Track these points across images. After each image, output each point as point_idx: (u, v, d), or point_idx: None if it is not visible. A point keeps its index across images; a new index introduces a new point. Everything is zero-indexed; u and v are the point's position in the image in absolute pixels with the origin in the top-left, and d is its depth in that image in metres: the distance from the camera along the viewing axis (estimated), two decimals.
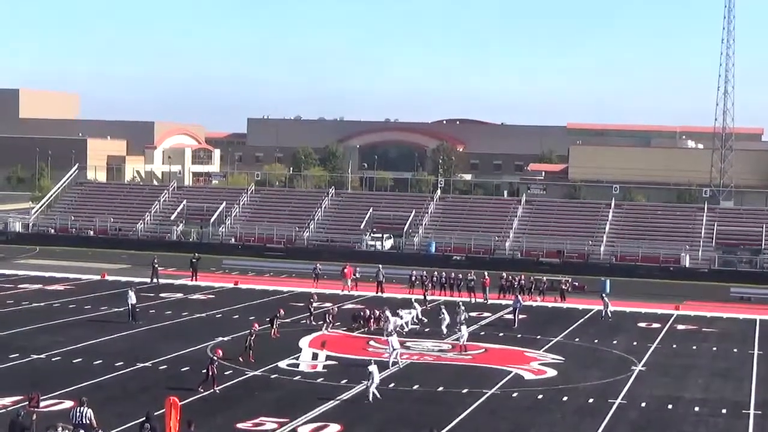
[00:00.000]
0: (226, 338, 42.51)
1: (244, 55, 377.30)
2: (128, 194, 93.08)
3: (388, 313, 44.53)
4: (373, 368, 32.67)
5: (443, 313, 45.25)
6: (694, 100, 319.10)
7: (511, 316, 50.41)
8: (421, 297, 54.50)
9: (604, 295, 55.19)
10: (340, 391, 33.64)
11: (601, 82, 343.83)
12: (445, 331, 44.72)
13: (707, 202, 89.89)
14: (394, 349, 37.92)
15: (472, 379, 36.70)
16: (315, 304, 48.49)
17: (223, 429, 28.78)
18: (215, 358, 33.24)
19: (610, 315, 52.32)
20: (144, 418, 25.02)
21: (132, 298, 46.34)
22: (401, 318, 45.62)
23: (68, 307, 50.35)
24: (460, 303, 48.67)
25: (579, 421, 31.27)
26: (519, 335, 46.57)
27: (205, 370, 32.94)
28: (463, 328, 42.47)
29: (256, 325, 40.63)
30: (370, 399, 32.09)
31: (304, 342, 42.52)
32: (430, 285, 58.02)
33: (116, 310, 48.59)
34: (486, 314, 52.56)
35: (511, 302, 52.33)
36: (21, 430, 24.46)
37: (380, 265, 61.29)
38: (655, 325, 50.89)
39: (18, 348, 38.89)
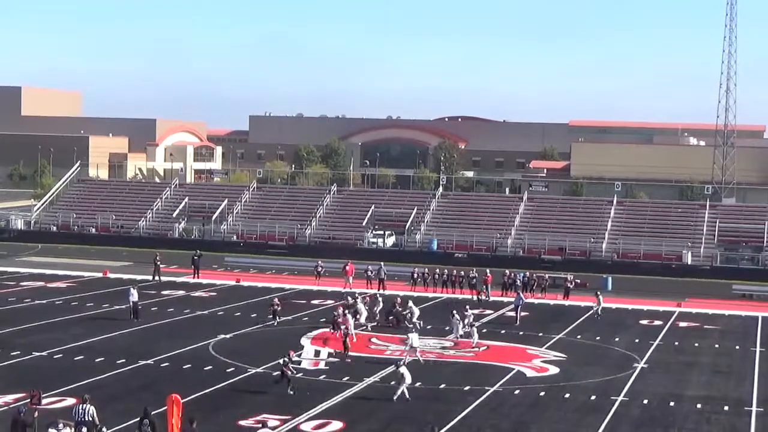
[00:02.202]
0: (227, 335, 42.58)
1: (245, 52, 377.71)
2: (130, 192, 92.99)
3: (360, 305, 46.23)
4: (403, 369, 32.62)
5: (456, 318, 44.67)
6: (696, 97, 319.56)
7: (512, 314, 50.40)
8: (419, 294, 54.39)
9: (599, 292, 54.38)
10: (342, 388, 33.65)
11: (603, 79, 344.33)
12: (461, 332, 44.02)
13: (709, 199, 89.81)
14: (412, 347, 37.89)
15: (474, 376, 36.68)
16: (278, 307, 46.67)
17: (225, 426, 28.79)
18: (287, 359, 33.23)
19: (599, 312, 51.59)
20: (142, 415, 25.05)
21: (134, 296, 46.34)
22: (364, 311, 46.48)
23: (70, 304, 50.34)
24: (467, 306, 48.22)
25: (581, 418, 31.25)
26: (521, 332, 46.52)
27: (279, 372, 33.00)
28: (474, 329, 42.62)
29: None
30: (407, 397, 31.97)
31: (306, 339, 42.56)
32: (432, 282, 57.92)
33: (118, 307, 48.60)
34: (488, 311, 52.53)
35: (513, 299, 52.30)
36: (23, 427, 24.49)
37: (382, 263, 61.38)
38: (657, 323, 50.86)
39: (20, 345, 38.91)
